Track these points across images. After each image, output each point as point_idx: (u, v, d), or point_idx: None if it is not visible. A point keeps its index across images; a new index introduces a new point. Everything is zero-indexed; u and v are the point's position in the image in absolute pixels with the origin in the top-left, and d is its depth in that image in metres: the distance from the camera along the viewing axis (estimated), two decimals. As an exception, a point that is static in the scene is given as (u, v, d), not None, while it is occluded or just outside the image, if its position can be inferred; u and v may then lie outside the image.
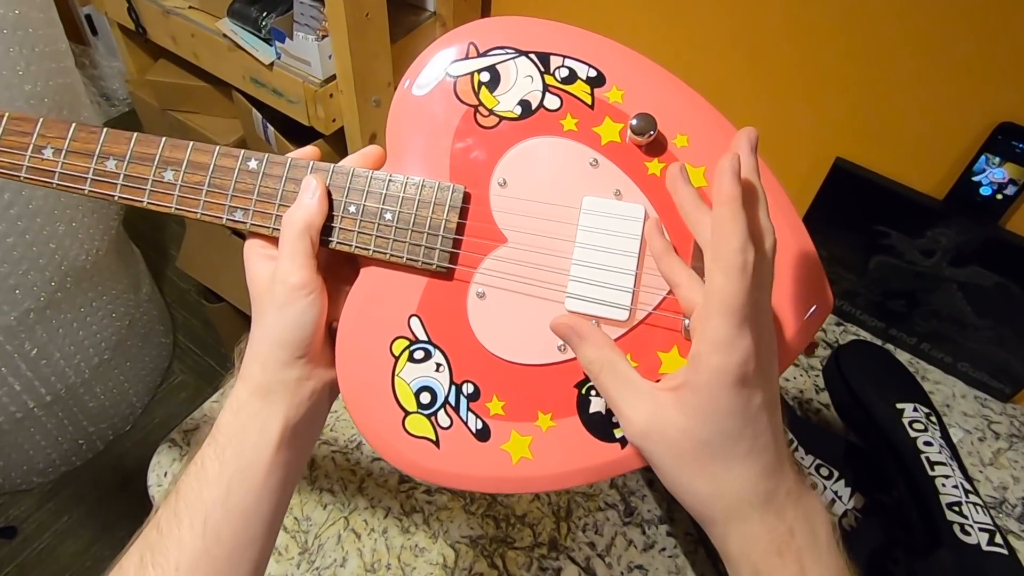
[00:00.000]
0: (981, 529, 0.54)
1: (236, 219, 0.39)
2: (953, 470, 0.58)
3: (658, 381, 0.32)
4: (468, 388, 0.38)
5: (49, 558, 1.27)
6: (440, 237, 0.38)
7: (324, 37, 0.83)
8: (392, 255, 0.38)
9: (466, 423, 0.37)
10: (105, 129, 0.41)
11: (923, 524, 0.55)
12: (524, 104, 0.39)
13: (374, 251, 0.38)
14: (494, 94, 0.39)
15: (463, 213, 0.38)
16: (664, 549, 0.61)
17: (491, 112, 0.39)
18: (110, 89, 2.04)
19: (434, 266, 0.38)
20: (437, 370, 0.38)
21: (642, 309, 0.37)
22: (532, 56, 0.39)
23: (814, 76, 0.72)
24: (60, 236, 1.07)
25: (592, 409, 0.37)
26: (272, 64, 0.89)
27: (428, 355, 0.38)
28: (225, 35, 0.92)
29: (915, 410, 0.64)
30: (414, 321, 0.38)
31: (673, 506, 0.64)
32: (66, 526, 1.31)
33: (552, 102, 0.39)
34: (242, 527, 0.32)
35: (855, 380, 0.69)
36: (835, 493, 0.61)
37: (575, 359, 0.35)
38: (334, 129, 0.92)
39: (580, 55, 0.39)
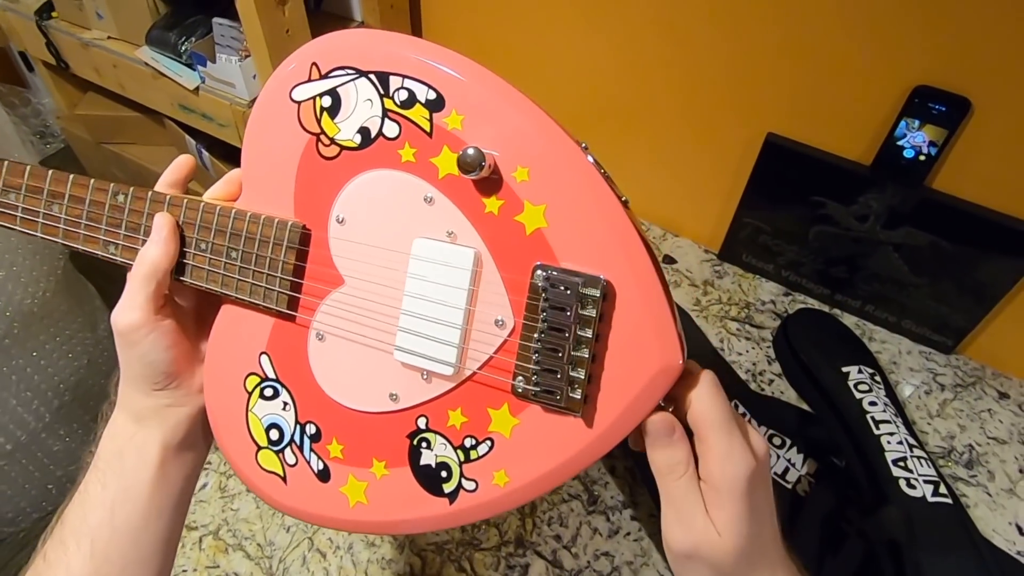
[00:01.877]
0: (926, 481, 0.56)
1: (110, 253, 0.39)
2: (898, 427, 0.60)
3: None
4: (311, 429, 0.38)
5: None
6: (278, 278, 0.37)
7: (246, 57, 0.82)
8: (237, 295, 0.37)
9: (308, 463, 0.37)
10: (5, 162, 0.41)
11: (870, 482, 0.57)
12: (364, 132, 0.36)
13: (221, 291, 0.38)
14: (335, 121, 0.36)
15: (301, 255, 0.37)
16: (629, 534, 0.62)
17: (332, 141, 0.36)
18: (46, 126, 1.99)
19: (273, 308, 0.37)
20: (284, 408, 0.38)
21: (470, 366, 0.35)
22: (372, 77, 0.35)
23: (738, 54, 0.73)
24: (1, 281, 1.05)
25: (423, 461, 0.36)
26: (197, 88, 0.87)
27: (276, 393, 0.38)
28: (147, 63, 0.90)
29: (860, 372, 0.66)
30: (264, 359, 0.38)
31: (636, 490, 0.65)
32: None
33: (391, 129, 0.35)
34: (131, 546, 0.32)
35: (802, 348, 0.71)
36: (788, 461, 0.63)
37: (407, 409, 0.36)
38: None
39: (420, 74, 0.35)
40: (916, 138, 0.67)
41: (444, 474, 0.35)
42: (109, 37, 0.95)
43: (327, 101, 0.36)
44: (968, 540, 0.53)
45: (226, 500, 0.65)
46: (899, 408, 0.64)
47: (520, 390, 0.34)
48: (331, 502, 0.37)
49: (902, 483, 0.55)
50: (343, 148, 0.36)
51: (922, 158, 0.67)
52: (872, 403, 0.62)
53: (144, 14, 0.89)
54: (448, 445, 0.35)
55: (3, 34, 1.14)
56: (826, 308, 0.82)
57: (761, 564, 0.30)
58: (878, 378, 0.66)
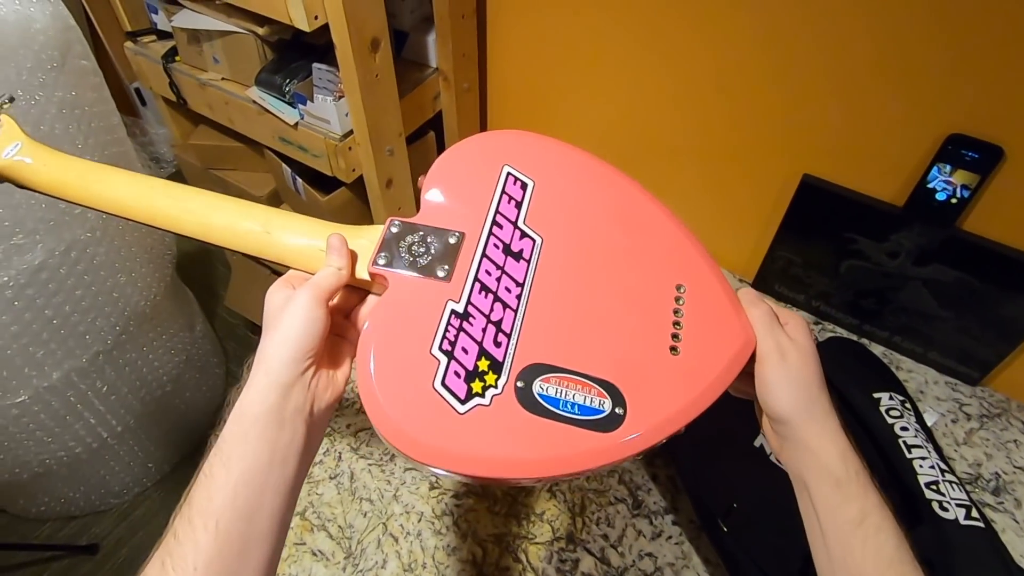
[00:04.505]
0: (958, 505, 0.53)
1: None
2: (929, 452, 0.58)
3: None
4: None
5: (127, 571, 1.28)
6: None
7: (340, 98, 0.85)
8: None
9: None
10: None
11: (904, 504, 0.55)
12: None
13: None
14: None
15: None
16: (671, 537, 0.61)
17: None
18: (159, 153, 2.09)
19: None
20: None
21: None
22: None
23: (780, 99, 0.72)
24: (122, 285, 1.10)
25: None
26: (296, 124, 0.90)
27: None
28: (254, 101, 0.94)
29: (891, 398, 0.63)
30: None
31: (677, 498, 0.64)
32: (140, 541, 1.32)
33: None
34: (251, 526, 0.32)
35: (834, 373, 0.68)
36: (822, 478, 0.61)
37: None
38: (354, 177, 0.94)
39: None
40: (948, 182, 0.65)
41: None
42: (223, 78, 0.99)
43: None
44: (1000, 563, 0.51)
45: (311, 485, 0.67)
46: (930, 434, 0.62)
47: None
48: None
49: (935, 505, 0.53)
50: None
51: (954, 201, 0.65)
52: (904, 428, 0.59)
53: (254, 60, 0.93)
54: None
55: (132, 73, 1.20)
56: (854, 337, 0.80)
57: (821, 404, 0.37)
58: (908, 405, 0.63)
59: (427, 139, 1.06)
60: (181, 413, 1.39)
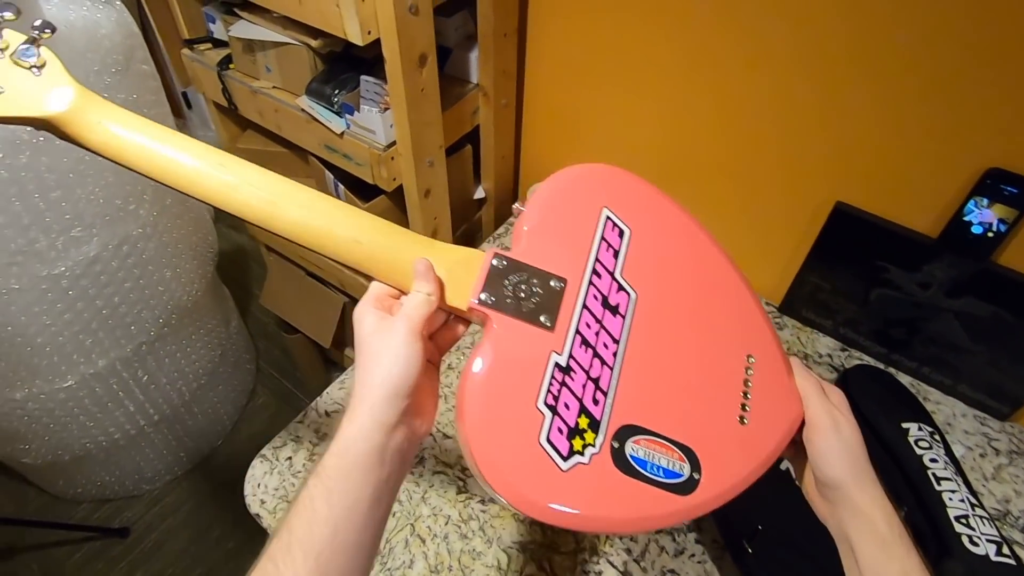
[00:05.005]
0: (989, 540, 0.52)
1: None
2: (959, 484, 0.57)
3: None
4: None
5: (155, 555, 1.30)
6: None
7: (386, 110, 0.87)
8: None
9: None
10: None
11: (933, 536, 0.54)
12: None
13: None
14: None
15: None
16: (693, 555, 0.61)
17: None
18: (205, 154, 2.14)
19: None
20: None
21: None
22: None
23: (818, 126, 0.72)
24: (167, 280, 1.13)
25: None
26: (343, 133, 0.92)
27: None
28: (303, 110, 0.96)
29: (919, 429, 0.62)
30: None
31: (701, 517, 0.63)
32: (169, 527, 1.35)
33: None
34: (349, 559, 0.33)
35: (862, 401, 0.68)
36: (848, 505, 0.60)
37: None
38: (394, 187, 0.95)
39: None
40: (985, 216, 0.64)
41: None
42: (274, 87, 1.02)
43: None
44: (1031, 601, 0.49)
45: (343, 483, 0.67)
46: (959, 467, 0.60)
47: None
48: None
49: (965, 540, 0.52)
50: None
51: (990, 235, 0.64)
52: (933, 460, 0.58)
53: (306, 70, 0.95)
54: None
55: (185, 78, 1.24)
56: (882, 366, 0.79)
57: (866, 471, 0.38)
58: (937, 437, 0.62)
59: (464, 152, 1.08)
60: (213, 406, 1.42)
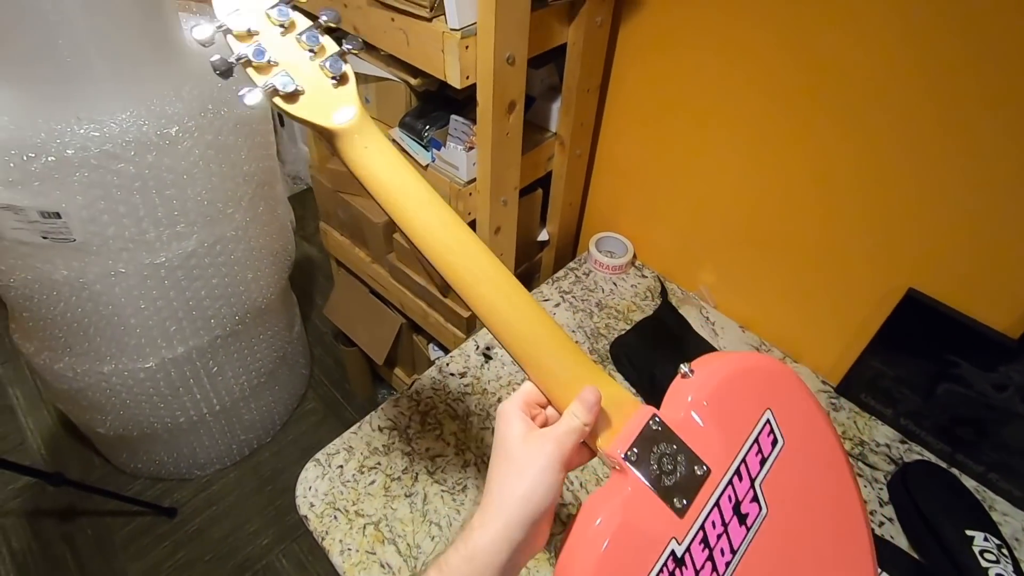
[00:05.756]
0: (1055, 674, 0.47)
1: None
2: (1025, 607, 0.52)
3: None
4: None
5: (198, 539, 1.33)
6: None
7: (471, 148, 0.90)
8: None
9: None
10: None
11: (993, 658, 0.49)
12: None
13: None
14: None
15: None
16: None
17: None
18: (292, 170, 2.27)
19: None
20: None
21: None
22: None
23: (894, 209, 0.69)
24: (248, 281, 1.19)
25: None
26: (427, 166, 0.97)
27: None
28: (394, 140, 1.01)
29: (986, 539, 0.58)
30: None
31: None
32: (213, 514, 1.38)
33: None
34: None
35: (923, 500, 0.63)
36: (900, 609, 0.56)
37: None
38: (468, 221, 0.98)
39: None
40: (1074, 325, 0.60)
41: None
42: (372, 118, 1.08)
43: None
44: None
45: (388, 499, 0.68)
46: (1027, 587, 0.56)
47: None
48: None
49: (1029, 668, 0.48)
50: None
51: (1078, 347, 0.60)
52: (1000, 575, 0.54)
53: (401, 104, 1.01)
54: None
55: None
56: (944, 465, 0.74)
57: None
58: (1006, 551, 0.57)
59: (535, 195, 1.10)
60: (268, 404, 1.47)
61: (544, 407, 0.40)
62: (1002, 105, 0.58)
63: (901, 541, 0.65)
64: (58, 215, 0.89)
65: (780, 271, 0.85)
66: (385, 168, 0.43)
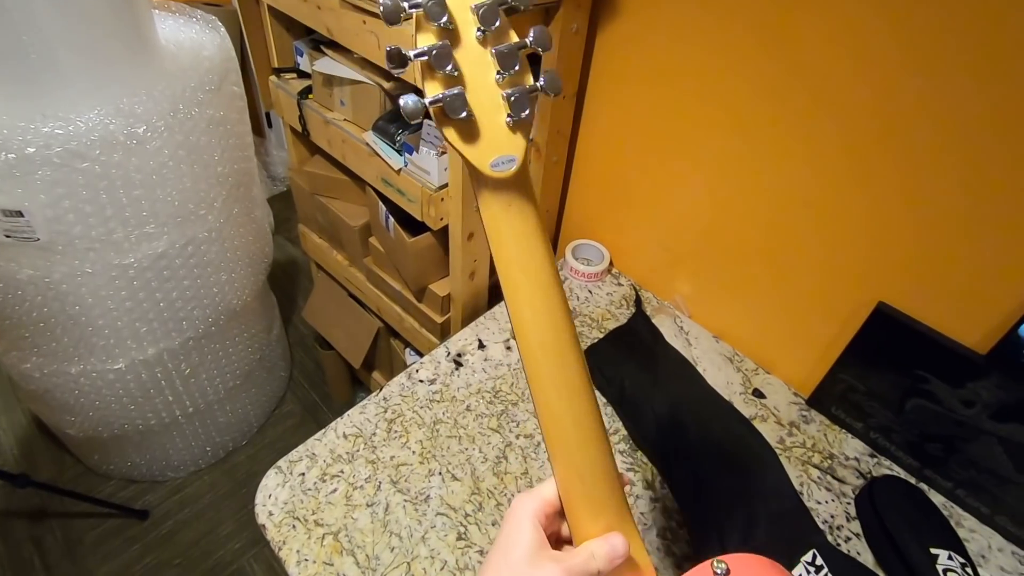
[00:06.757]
0: None
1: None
2: (987, 630, 0.50)
3: None
4: None
5: (169, 542, 1.30)
6: None
7: (443, 154, 0.88)
8: None
9: None
10: None
11: None
12: None
13: None
14: None
15: None
16: None
17: None
18: (275, 172, 2.24)
19: None
20: None
21: None
22: None
23: (869, 224, 0.68)
24: (222, 283, 1.16)
25: None
26: (400, 170, 0.94)
27: None
28: (368, 144, 0.99)
29: (950, 558, 0.56)
30: None
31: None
32: (186, 517, 1.35)
33: None
34: None
35: (889, 517, 0.62)
36: (861, 630, 0.54)
37: None
38: (441, 226, 0.96)
39: None
40: (1041, 342, 0.59)
41: None
42: (345, 119, 1.06)
43: None
44: None
45: (349, 508, 0.66)
46: (989, 608, 0.54)
47: None
48: None
49: None
50: None
51: (1046, 362, 0.59)
52: (961, 596, 0.52)
53: (375, 108, 0.98)
54: None
55: (269, 101, 1.30)
56: (912, 480, 0.72)
57: None
58: (969, 570, 0.56)
59: (513, 201, 1.08)
60: (244, 406, 1.44)
61: (561, 515, 0.38)
62: (972, 124, 0.57)
63: (867, 558, 0.63)
64: (20, 213, 0.86)
65: (754, 283, 0.84)
66: (516, 236, 0.36)
